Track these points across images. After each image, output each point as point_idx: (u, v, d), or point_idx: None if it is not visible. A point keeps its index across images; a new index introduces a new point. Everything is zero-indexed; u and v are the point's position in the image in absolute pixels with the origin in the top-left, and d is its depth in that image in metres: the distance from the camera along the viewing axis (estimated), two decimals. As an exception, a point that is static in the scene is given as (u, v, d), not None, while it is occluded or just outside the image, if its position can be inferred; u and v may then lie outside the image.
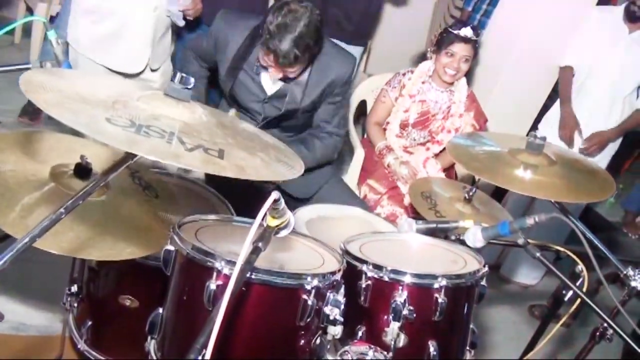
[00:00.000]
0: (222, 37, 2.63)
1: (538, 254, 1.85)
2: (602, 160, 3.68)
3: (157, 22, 2.86)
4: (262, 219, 1.35)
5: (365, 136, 3.48)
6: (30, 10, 4.55)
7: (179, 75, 1.40)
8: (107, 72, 2.87)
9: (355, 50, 3.73)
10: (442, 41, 3.12)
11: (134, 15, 2.79)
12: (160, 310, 1.68)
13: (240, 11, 2.78)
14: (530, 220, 1.81)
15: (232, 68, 2.63)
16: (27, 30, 4.39)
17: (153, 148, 1.19)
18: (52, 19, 4.04)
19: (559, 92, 3.72)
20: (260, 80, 2.65)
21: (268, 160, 1.43)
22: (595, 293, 3.03)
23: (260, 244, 1.36)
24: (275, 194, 1.32)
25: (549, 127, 3.66)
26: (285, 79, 2.59)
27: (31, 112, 3.75)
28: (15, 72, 1.96)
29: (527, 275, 3.94)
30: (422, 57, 3.43)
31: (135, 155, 1.30)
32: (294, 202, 2.70)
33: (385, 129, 3.30)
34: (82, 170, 1.76)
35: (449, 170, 3.33)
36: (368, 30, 4.11)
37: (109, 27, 2.79)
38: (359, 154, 3.32)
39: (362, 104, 3.63)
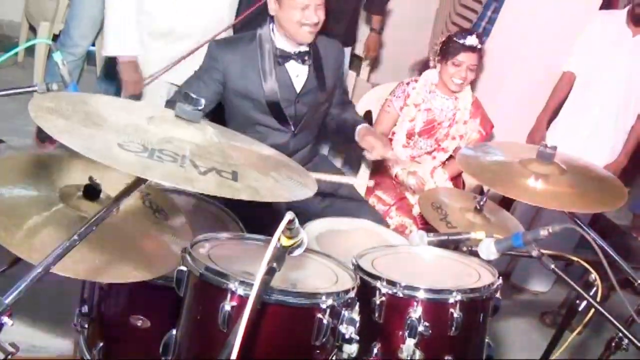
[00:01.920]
0: (231, 61, 2.67)
1: (552, 266, 1.84)
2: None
3: None
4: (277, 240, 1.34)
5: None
6: (33, 29, 4.56)
7: (188, 95, 1.39)
8: (173, 88, 3.07)
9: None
10: (447, 51, 3.12)
11: (206, 37, 2.93)
12: (174, 331, 1.67)
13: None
14: (544, 232, 1.80)
15: (257, 81, 2.70)
16: (30, 49, 4.39)
17: (167, 173, 1.18)
18: (55, 37, 4.05)
19: (549, 98, 3.72)
20: (287, 76, 2.72)
21: (281, 180, 1.42)
22: (606, 299, 3.01)
23: (275, 265, 1.35)
24: (289, 214, 1.31)
25: (558, 134, 3.65)
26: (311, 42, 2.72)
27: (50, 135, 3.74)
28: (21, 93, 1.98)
29: (539, 283, 3.92)
30: (424, 65, 3.42)
31: (146, 180, 1.29)
32: (320, 201, 2.76)
33: (391, 140, 3.29)
34: (91, 191, 1.75)
35: (456, 179, 3.32)
36: (355, 30, 4.15)
37: (182, 47, 2.99)
38: (366, 165, 3.32)
39: (367, 114, 3.63)
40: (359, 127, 2.82)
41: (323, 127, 2.99)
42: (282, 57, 2.70)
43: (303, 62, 2.74)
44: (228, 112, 2.83)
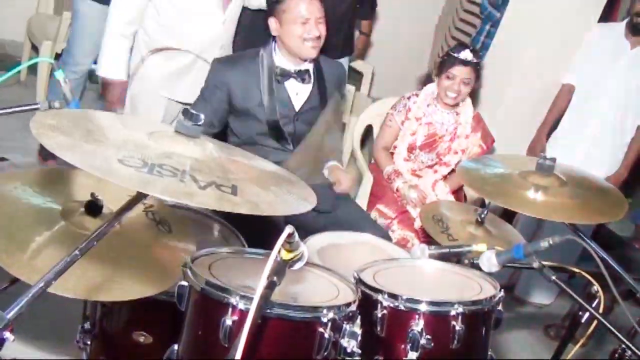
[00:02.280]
0: (233, 79, 2.70)
1: (554, 277, 1.84)
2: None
3: None
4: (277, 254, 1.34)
5: (372, 161, 3.48)
6: (35, 48, 4.59)
7: (188, 111, 1.40)
8: (170, 102, 3.16)
9: (344, 61, 3.86)
10: (443, 64, 3.16)
11: (202, 54, 3.03)
12: (176, 346, 1.66)
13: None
14: (544, 243, 1.80)
15: (258, 100, 2.72)
16: (32, 67, 4.42)
17: (166, 187, 1.19)
18: (57, 56, 4.07)
19: (548, 111, 3.73)
20: (286, 94, 2.75)
21: (280, 194, 1.42)
22: (609, 311, 3.00)
23: (275, 279, 1.35)
24: (289, 228, 1.32)
25: (557, 146, 3.65)
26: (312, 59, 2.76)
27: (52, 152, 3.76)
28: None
29: (542, 295, 3.91)
30: (428, 79, 3.46)
31: (147, 195, 1.30)
32: (318, 215, 2.74)
33: (392, 153, 3.30)
34: (93, 208, 1.75)
35: (457, 193, 3.32)
36: (353, 39, 4.21)
37: (180, 62, 3.06)
38: (368, 179, 3.32)
39: (368, 129, 3.64)
40: (329, 164, 2.90)
41: None
42: (282, 76, 2.72)
43: (303, 81, 2.76)
44: (229, 130, 2.85)
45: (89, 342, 1.99)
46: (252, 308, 1.20)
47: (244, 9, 3.19)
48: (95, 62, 4.08)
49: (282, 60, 2.72)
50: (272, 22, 2.68)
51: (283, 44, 2.69)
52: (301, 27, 2.62)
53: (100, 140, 1.31)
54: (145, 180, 1.19)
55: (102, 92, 3.13)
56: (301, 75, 2.74)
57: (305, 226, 2.45)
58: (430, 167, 3.29)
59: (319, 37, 2.66)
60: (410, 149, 3.23)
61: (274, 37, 2.73)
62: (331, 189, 2.87)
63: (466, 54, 3.07)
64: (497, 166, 2.17)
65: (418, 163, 3.27)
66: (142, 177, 1.19)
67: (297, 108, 2.77)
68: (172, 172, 1.25)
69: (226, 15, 3.05)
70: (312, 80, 2.78)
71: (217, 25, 3.05)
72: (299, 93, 2.76)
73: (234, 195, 1.26)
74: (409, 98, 3.28)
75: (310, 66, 2.78)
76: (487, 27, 4.40)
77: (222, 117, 2.79)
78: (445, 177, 3.29)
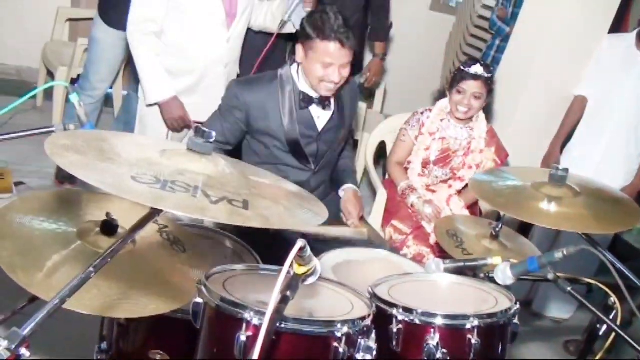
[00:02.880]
0: (252, 101, 2.71)
1: (569, 289, 1.82)
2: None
3: (228, 77, 3.18)
4: (289, 267, 1.35)
5: (386, 177, 3.48)
6: (51, 74, 4.66)
7: (200, 129, 1.42)
8: None
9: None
10: (454, 79, 3.17)
11: (207, 72, 3.12)
12: (192, 364, 1.67)
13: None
14: (559, 254, 1.79)
15: (278, 121, 2.73)
16: (48, 93, 4.49)
17: (179, 203, 1.20)
18: (72, 82, 4.14)
19: (561, 123, 3.72)
20: (309, 115, 2.76)
21: (291, 208, 1.43)
22: (629, 324, 2.96)
23: (288, 293, 1.36)
24: (300, 242, 1.32)
25: (571, 158, 3.64)
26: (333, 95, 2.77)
27: (69, 176, 3.80)
28: (40, 135, 2.02)
29: (560, 310, 3.87)
30: (440, 95, 3.47)
31: (161, 211, 1.31)
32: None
33: (407, 169, 3.31)
34: (109, 227, 1.77)
35: (472, 207, 3.31)
36: (362, 59, 4.24)
37: (186, 82, 3.12)
38: (382, 196, 3.33)
39: (381, 146, 3.65)
40: (345, 187, 2.94)
41: None
42: (305, 101, 2.72)
43: (324, 107, 2.76)
44: (246, 150, 2.87)
45: (105, 361, 2.00)
46: (265, 322, 1.21)
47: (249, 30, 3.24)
48: (111, 87, 4.16)
49: (304, 85, 2.72)
50: (299, 50, 2.65)
51: (304, 73, 2.69)
52: (322, 70, 2.59)
53: (113, 158, 1.33)
54: (159, 196, 1.20)
55: (165, 119, 3.13)
56: (322, 102, 2.74)
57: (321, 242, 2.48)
58: (445, 182, 3.29)
59: (338, 82, 2.64)
60: (424, 164, 3.24)
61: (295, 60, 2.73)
62: None
63: (477, 69, 3.08)
64: (510, 178, 2.17)
65: (432, 178, 3.27)
66: (155, 193, 1.21)
67: (320, 128, 2.78)
68: (185, 188, 1.26)
69: (230, 34, 3.10)
70: (332, 105, 2.80)
71: (222, 43, 3.09)
72: (320, 117, 2.78)
73: (245, 210, 1.27)
74: (422, 113, 3.29)
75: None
76: (497, 41, 4.42)
77: (238, 137, 2.81)
78: (459, 192, 3.28)
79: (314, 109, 2.76)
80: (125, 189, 1.20)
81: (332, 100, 2.79)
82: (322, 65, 2.58)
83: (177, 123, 3.12)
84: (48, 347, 2.41)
